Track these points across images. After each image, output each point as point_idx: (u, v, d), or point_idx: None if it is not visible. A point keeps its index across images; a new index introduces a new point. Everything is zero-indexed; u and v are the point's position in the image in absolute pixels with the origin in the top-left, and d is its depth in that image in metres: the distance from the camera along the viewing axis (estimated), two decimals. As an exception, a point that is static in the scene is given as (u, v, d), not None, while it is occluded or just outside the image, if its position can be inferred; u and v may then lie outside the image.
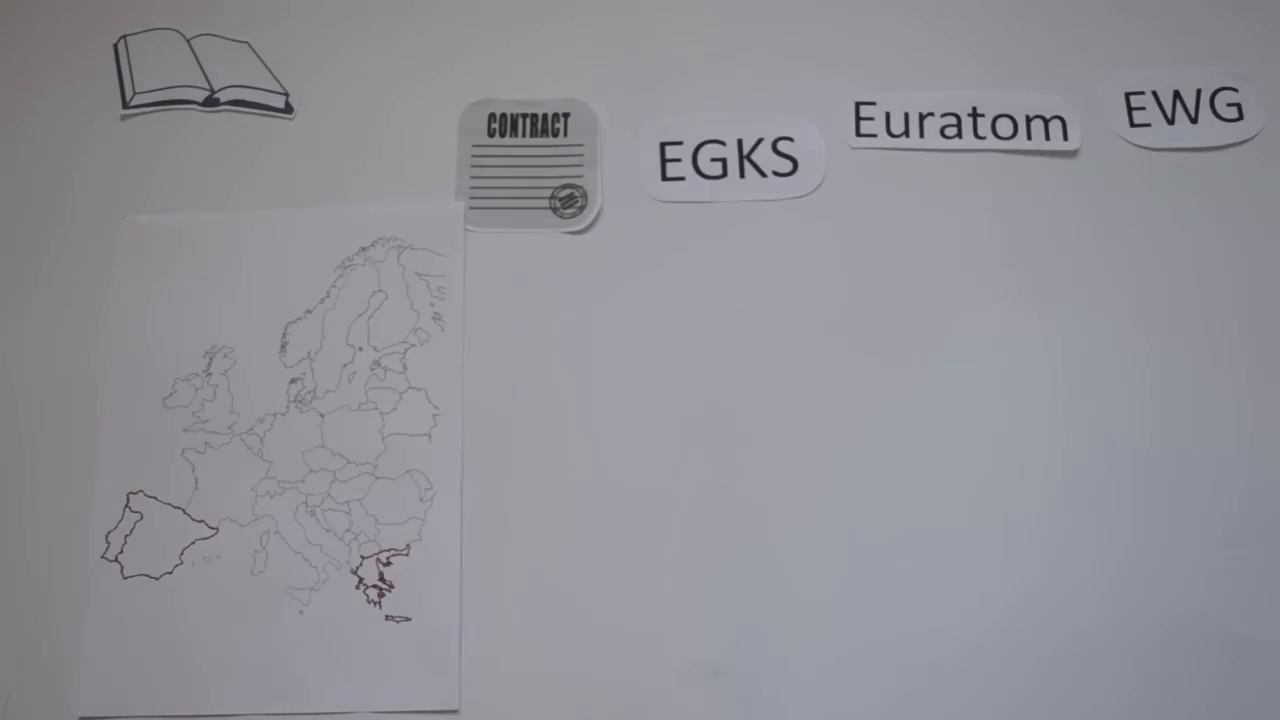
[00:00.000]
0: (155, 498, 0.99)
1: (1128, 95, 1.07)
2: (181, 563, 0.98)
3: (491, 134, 1.08)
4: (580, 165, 1.06)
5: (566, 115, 1.08)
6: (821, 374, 1.01)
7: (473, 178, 1.06)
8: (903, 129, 1.07)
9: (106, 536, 0.99)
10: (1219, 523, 0.97)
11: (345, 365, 1.02)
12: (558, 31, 1.10)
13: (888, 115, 1.07)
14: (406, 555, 0.98)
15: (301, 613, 0.97)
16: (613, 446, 1.00)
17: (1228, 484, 0.98)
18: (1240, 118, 1.06)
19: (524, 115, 1.08)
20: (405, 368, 1.01)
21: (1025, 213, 1.04)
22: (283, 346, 1.02)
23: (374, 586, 0.97)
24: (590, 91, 1.08)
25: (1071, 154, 1.06)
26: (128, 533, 0.99)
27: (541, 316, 1.03)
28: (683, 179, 1.06)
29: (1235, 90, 1.07)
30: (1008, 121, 1.06)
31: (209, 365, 1.02)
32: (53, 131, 1.09)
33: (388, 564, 0.97)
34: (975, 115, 1.07)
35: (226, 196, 1.06)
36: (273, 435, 1.00)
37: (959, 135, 1.06)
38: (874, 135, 1.07)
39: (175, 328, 1.03)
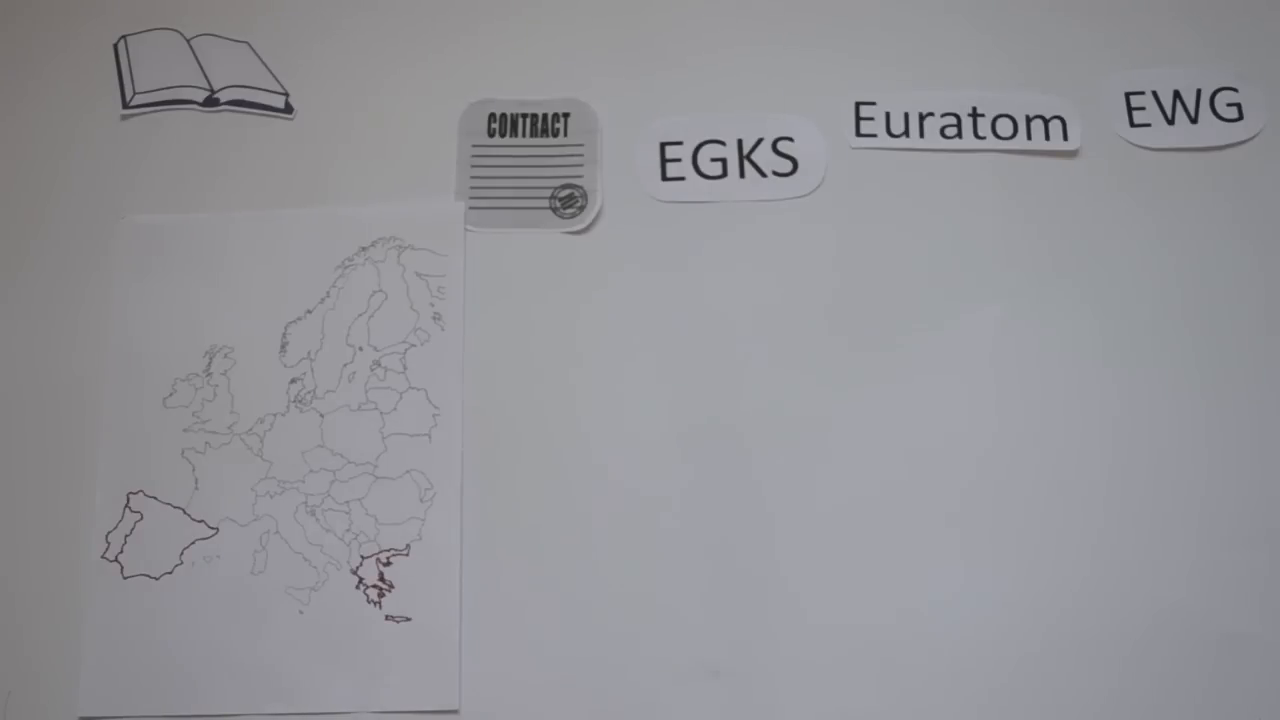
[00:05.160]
0: (155, 498, 0.99)
1: (1128, 95, 1.07)
2: (181, 563, 0.98)
3: (491, 134, 1.08)
4: (580, 165, 1.06)
5: (566, 115, 1.08)
6: (821, 374, 1.01)
7: (473, 178, 1.06)
8: (903, 129, 1.07)
9: (106, 536, 0.99)
10: (1221, 522, 0.97)
11: (345, 365, 1.02)
12: (558, 31, 1.10)
13: (888, 115, 1.07)
14: (406, 555, 0.98)
15: (301, 613, 0.97)
16: (612, 446, 1.00)
17: (1229, 484, 0.98)
18: (1240, 118, 1.06)
19: (524, 115, 1.08)
20: (405, 368, 1.01)
21: (1025, 213, 1.04)
22: (283, 346, 1.02)
23: (374, 586, 0.97)
24: (590, 91, 1.08)
25: (1071, 154, 1.06)
26: (128, 533, 0.99)
27: (541, 316, 1.03)
28: (683, 179, 1.06)
29: (1235, 90, 1.07)
30: (1008, 121, 1.06)
31: (209, 365, 1.02)
32: (52, 131, 1.09)
33: (388, 564, 0.97)
34: (975, 115, 1.07)
35: (226, 196, 1.06)
36: (273, 435, 1.00)
37: (959, 135, 1.06)
38: (874, 135, 1.07)
39: (175, 328, 1.03)
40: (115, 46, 1.11)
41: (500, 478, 0.99)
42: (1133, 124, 1.06)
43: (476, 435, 1.00)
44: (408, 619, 0.96)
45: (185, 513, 0.99)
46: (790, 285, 1.03)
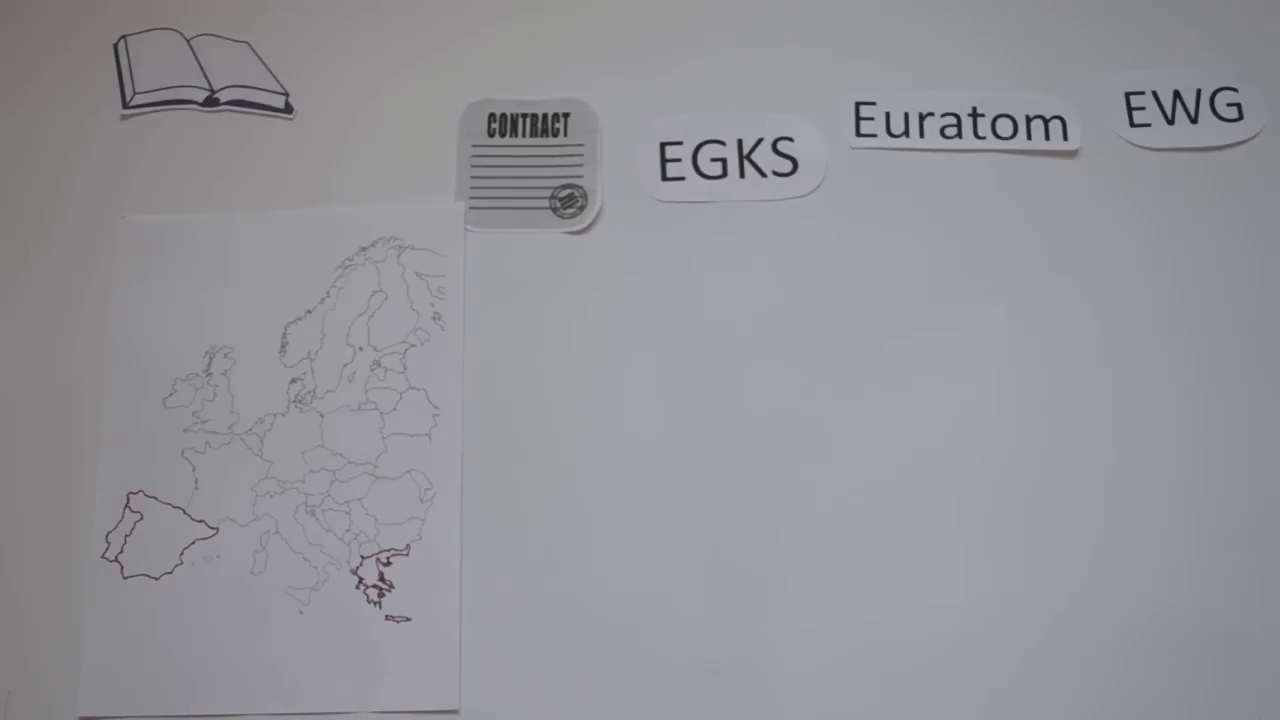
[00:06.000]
0: (155, 498, 0.99)
1: (1128, 95, 1.07)
2: (181, 563, 0.98)
3: (491, 134, 1.08)
4: (580, 165, 1.06)
5: (566, 115, 1.08)
6: (821, 374, 1.01)
7: (473, 178, 1.06)
8: (903, 129, 1.07)
9: (106, 536, 0.99)
10: (1221, 522, 0.97)
11: (345, 365, 1.02)
12: (558, 31, 1.10)
13: (888, 115, 1.07)
14: (406, 555, 0.98)
15: (301, 613, 0.97)
16: (612, 446, 1.00)
17: (1229, 483, 0.98)
18: (1240, 118, 1.06)
19: (524, 115, 1.08)
20: (405, 368, 1.01)
21: (1025, 213, 1.04)
22: (283, 346, 1.02)
23: (374, 586, 0.97)
24: (590, 91, 1.08)
25: (1071, 154, 1.06)
26: (128, 533, 0.99)
27: (541, 316, 1.03)
28: (683, 179, 1.06)
29: (1235, 90, 1.07)
30: (1008, 121, 1.06)
31: (209, 365, 1.02)
32: (53, 131, 1.09)
33: (388, 564, 0.97)
34: (975, 115, 1.07)
35: (226, 196, 1.06)
36: (273, 435, 1.00)
37: (959, 135, 1.06)
38: (874, 135, 1.07)
39: (175, 328, 1.03)
40: (115, 46, 1.11)
41: (500, 478, 0.99)
42: (1133, 124, 1.06)
43: (476, 435, 1.00)
44: (408, 619, 0.96)
45: (185, 513, 0.99)
46: (790, 285, 1.03)
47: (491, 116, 1.08)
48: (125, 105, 1.09)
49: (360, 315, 1.03)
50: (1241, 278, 1.02)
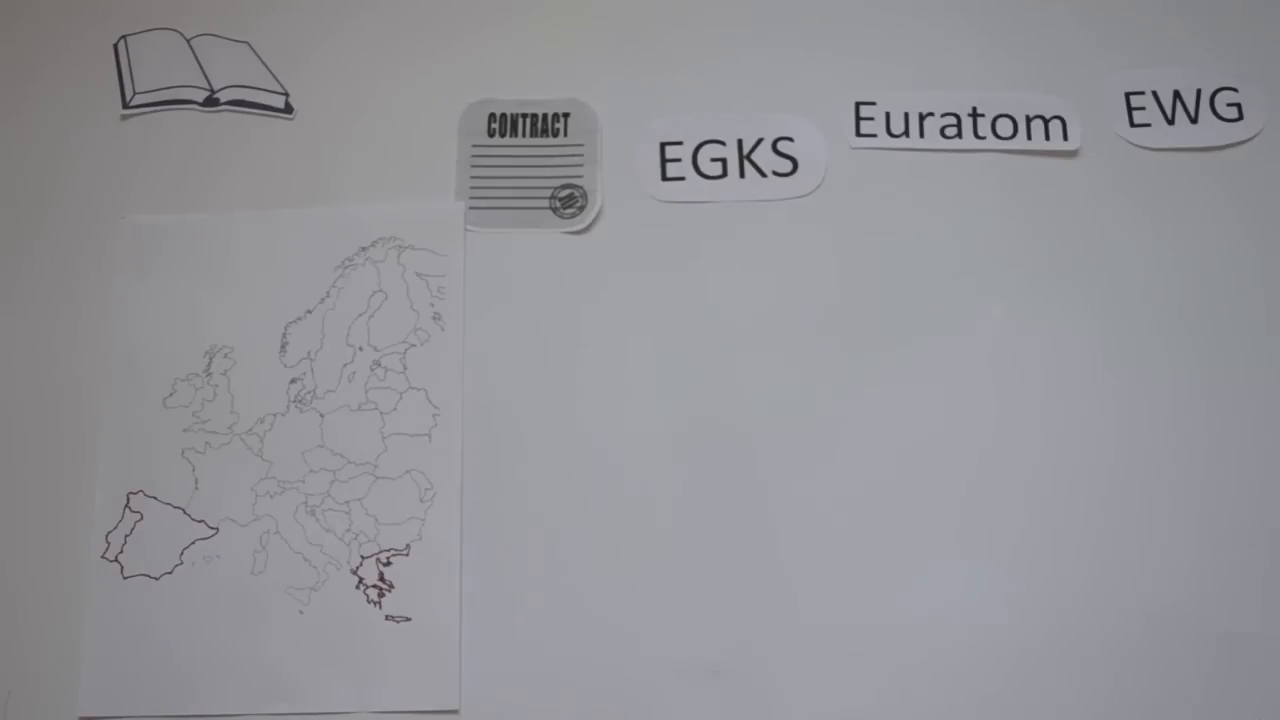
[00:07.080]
0: (155, 498, 0.99)
1: (1128, 95, 1.07)
2: (181, 563, 0.98)
3: (491, 134, 1.08)
4: (580, 165, 1.06)
5: (566, 115, 1.08)
6: (821, 373, 1.01)
7: (473, 178, 1.06)
8: (903, 129, 1.07)
9: (106, 536, 0.99)
10: (1220, 522, 0.97)
11: (345, 365, 1.02)
12: (558, 32, 1.10)
13: (888, 115, 1.07)
14: (406, 555, 0.98)
15: (301, 613, 0.97)
16: (612, 446, 1.00)
17: (1228, 483, 0.98)
18: (1240, 118, 1.06)
19: (524, 115, 1.08)
20: (405, 368, 1.02)
21: (1025, 213, 1.04)
22: (283, 346, 1.03)
23: (374, 586, 0.97)
24: (590, 91, 1.08)
25: (1071, 154, 1.06)
26: (128, 533, 0.99)
27: (541, 316, 1.03)
28: (683, 179, 1.06)
29: (1235, 90, 1.07)
30: (1008, 121, 1.06)
31: (209, 365, 1.02)
32: (52, 131, 1.09)
33: (388, 564, 0.97)
34: (975, 115, 1.07)
35: (227, 196, 1.06)
36: (273, 435, 1.00)
37: (959, 135, 1.06)
38: (874, 135, 1.07)
39: (175, 328, 1.03)
40: (115, 46, 1.11)
41: (500, 478, 0.99)
42: (1133, 124, 1.06)
43: (476, 435, 1.00)
44: (408, 619, 0.96)
45: (185, 513, 0.99)
46: (790, 285, 1.03)
47: (491, 116, 1.08)
48: (125, 105, 1.09)
49: (360, 315, 1.03)
50: (1241, 278, 1.02)
